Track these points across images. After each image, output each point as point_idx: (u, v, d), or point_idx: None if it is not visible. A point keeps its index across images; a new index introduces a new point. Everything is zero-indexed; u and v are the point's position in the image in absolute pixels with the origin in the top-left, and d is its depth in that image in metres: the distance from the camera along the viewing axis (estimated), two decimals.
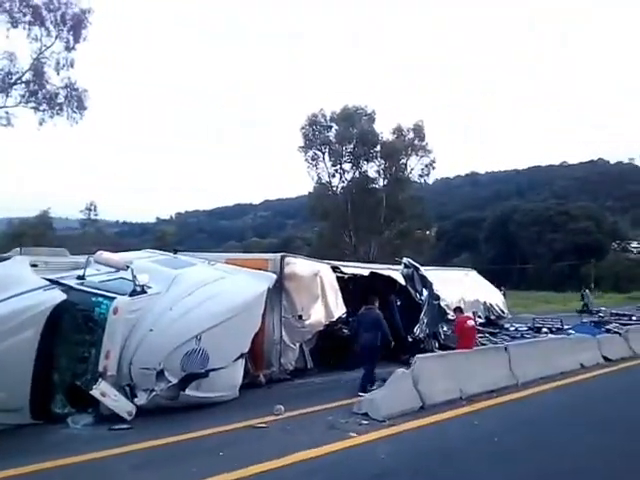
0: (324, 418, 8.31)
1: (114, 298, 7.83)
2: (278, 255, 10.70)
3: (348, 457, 6.74)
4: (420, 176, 40.34)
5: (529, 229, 64.87)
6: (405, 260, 13.72)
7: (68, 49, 23.26)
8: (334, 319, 11.44)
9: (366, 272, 13.70)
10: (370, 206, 36.97)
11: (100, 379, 7.65)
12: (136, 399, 8.07)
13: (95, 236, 37.13)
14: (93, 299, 7.87)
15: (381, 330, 9.68)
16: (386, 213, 36.61)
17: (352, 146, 36.79)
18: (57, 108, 24.02)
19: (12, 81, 23.18)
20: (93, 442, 7.10)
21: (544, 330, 21.26)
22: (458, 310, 11.16)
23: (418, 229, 38.95)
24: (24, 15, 22.02)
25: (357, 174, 37.71)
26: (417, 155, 39.34)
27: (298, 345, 10.89)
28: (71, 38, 23.02)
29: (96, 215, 41.14)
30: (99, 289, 8.08)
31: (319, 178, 38.36)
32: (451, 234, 76.27)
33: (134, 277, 8.18)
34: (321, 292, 11.30)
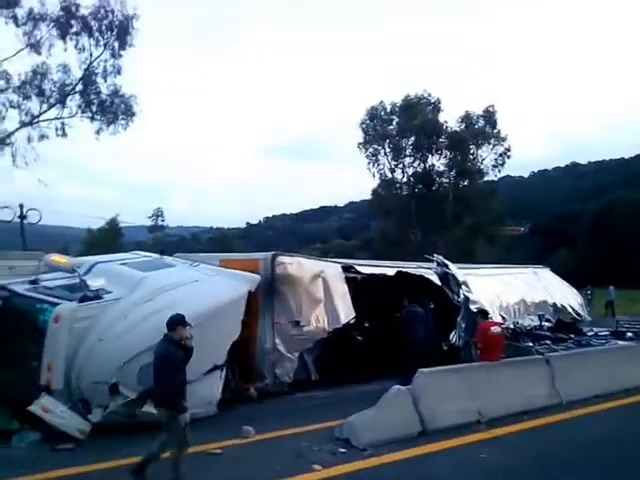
0: (297, 443, 7.09)
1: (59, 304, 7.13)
2: (269, 254, 9.58)
3: None
4: (494, 166, 37.36)
5: (635, 222, 58.02)
6: (437, 257, 12.01)
7: (115, 56, 23.79)
8: (340, 325, 10.09)
9: (391, 272, 12.16)
10: (436, 201, 34.70)
11: (43, 393, 6.96)
12: (90, 416, 7.31)
13: (161, 241, 38.18)
14: (38, 306, 7.22)
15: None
16: (453, 208, 34.15)
17: (414, 138, 34.69)
18: (110, 116, 24.65)
19: (67, 92, 24.06)
20: (27, 463, 6.43)
21: (628, 335, 18.38)
22: (482, 314, 9.35)
23: (495, 225, 35.74)
24: (71, 26, 22.76)
25: (420, 168, 35.50)
26: (489, 144, 36.47)
27: (297, 355, 9.69)
28: (117, 45, 23.50)
29: (163, 221, 42.35)
30: (49, 295, 7.42)
31: (381, 175, 36.65)
32: (547, 230, 70.82)
33: (82, 281, 7.44)
34: (325, 295, 10.02)
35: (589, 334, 19.10)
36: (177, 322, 5.56)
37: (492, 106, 36.25)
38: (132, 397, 7.37)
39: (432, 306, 12.58)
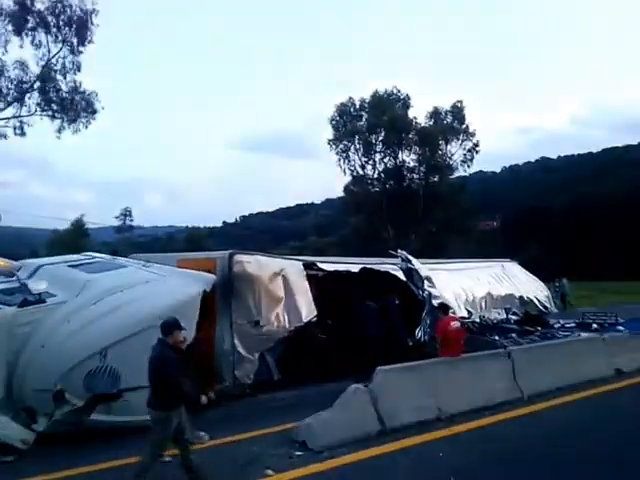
0: (252, 448, 6.87)
1: None
2: (226, 253, 9.31)
3: None
4: (463, 162, 37.61)
5: (602, 215, 59.15)
6: (400, 253, 11.91)
7: (74, 52, 23.02)
8: (302, 323, 9.89)
9: (355, 268, 12.00)
10: (407, 197, 34.76)
11: None
12: (34, 425, 6.96)
13: (130, 242, 37.31)
14: None
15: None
16: (424, 204, 34.25)
17: (383, 134, 34.65)
18: (71, 114, 23.91)
19: (25, 90, 23.20)
20: None
21: (594, 326, 18.61)
22: (442, 309, 9.24)
23: (463, 220, 35.97)
24: (27, 22, 21.93)
25: (390, 164, 35.52)
26: (457, 139, 36.72)
27: (257, 355, 9.44)
28: (75, 41, 22.74)
29: (132, 221, 41.35)
30: None
31: (352, 171, 36.52)
32: (518, 224, 71.87)
33: (23, 285, 7.07)
34: (285, 293, 9.79)
35: (555, 326, 19.34)
36: (173, 326, 5.52)
37: (460, 102, 36.57)
38: (79, 404, 7.05)
39: (397, 302, 12.48)
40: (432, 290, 10.80)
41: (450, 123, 36.81)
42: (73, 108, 23.58)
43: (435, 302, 10.41)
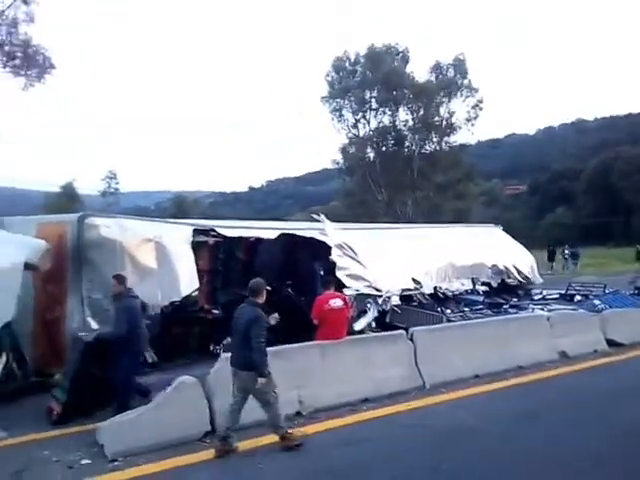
0: (40, 451, 5.68)
1: None
2: (76, 215, 7.98)
3: None
4: (467, 120, 35.00)
5: (635, 178, 55.52)
6: (319, 217, 10.41)
7: (26, 2, 21.46)
8: (179, 298, 8.54)
9: (272, 234, 10.51)
10: (402, 159, 32.65)
11: None
12: None
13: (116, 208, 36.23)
14: None
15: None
16: (419, 165, 32.11)
17: (376, 90, 32.29)
18: (34, 70, 22.55)
19: None
20: None
21: (577, 298, 16.94)
22: (325, 284, 7.69)
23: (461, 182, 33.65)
24: None
25: (384, 122, 33.26)
26: (461, 96, 34.09)
27: None
28: None
29: (117, 184, 39.95)
30: None
31: (346, 131, 34.39)
32: (547, 187, 68.78)
33: None
34: (159, 263, 8.45)
35: (535, 298, 17.66)
36: (263, 286, 5.70)
37: (462, 54, 33.74)
38: None
39: (322, 272, 11.02)
40: (339, 260, 9.31)
41: (453, 78, 34.18)
42: (30, 63, 22.23)
43: (341, 274, 8.96)
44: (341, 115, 33.96)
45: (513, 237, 20.14)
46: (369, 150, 33.74)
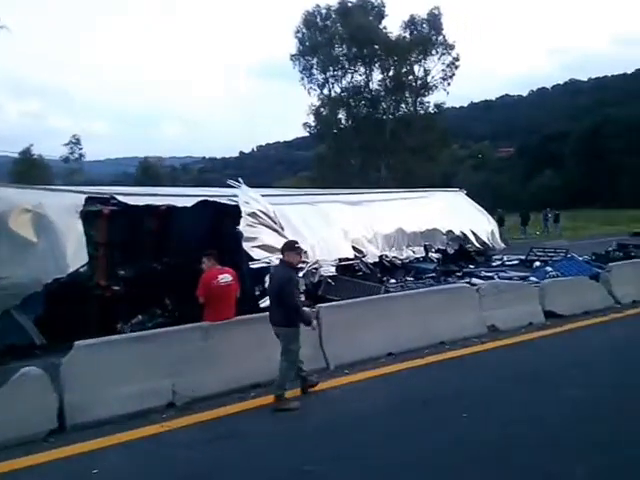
0: None
1: None
2: None
3: None
4: (443, 79, 33.71)
5: (623, 140, 54.36)
6: (232, 182, 9.55)
7: None
8: (64, 275, 7.77)
9: (188, 202, 9.64)
10: (375, 121, 31.48)
11: None
12: None
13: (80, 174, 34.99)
14: None
15: None
16: (392, 127, 30.97)
17: (345, 47, 30.83)
18: None
19: None
20: None
21: (536, 264, 16.30)
22: (210, 258, 6.85)
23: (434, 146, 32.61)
24: None
25: (355, 82, 31.92)
26: (436, 53, 32.69)
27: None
28: None
29: (81, 149, 38.44)
30: None
31: (317, 92, 33.04)
32: (536, 150, 67.59)
33: None
34: (39, 236, 7.63)
35: (494, 264, 17.05)
36: (284, 248, 6.10)
37: (437, 8, 32.16)
38: None
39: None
40: (250, 229, 8.51)
41: (428, 34, 32.69)
42: None
43: (249, 245, 8.18)
44: (311, 74, 32.57)
45: (501, 200, 19.46)
46: (341, 113, 32.44)
